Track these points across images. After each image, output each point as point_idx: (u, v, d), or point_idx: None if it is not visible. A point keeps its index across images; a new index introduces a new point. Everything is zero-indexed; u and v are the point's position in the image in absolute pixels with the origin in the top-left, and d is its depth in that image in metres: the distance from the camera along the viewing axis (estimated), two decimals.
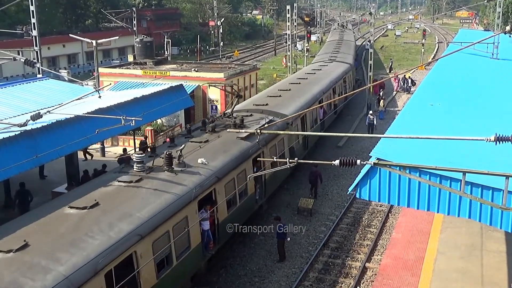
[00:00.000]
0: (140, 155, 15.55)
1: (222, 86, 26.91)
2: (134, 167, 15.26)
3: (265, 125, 18.72)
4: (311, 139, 27.45)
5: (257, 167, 19.60)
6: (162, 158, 15.72)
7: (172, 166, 15.43)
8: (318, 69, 38.16)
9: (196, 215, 15.12)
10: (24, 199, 20.29)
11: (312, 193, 23.58)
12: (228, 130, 19.46)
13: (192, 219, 14.76)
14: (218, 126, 20.33)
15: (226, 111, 22.65)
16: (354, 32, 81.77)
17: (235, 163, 17.99)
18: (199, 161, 16.47)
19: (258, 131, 12.12)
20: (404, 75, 48.96)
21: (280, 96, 27.39)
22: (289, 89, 29.55)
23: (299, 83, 31.72)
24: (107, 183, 14.56)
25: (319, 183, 23.60)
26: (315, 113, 29.37)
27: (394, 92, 48.00)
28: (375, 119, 33.91)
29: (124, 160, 19.53)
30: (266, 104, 24.66)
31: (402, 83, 49.14)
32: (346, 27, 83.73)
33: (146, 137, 28.75)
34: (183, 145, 16.22)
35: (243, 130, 18.43)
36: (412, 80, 49.00)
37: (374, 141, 13.54)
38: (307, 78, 33.64)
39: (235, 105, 22.92)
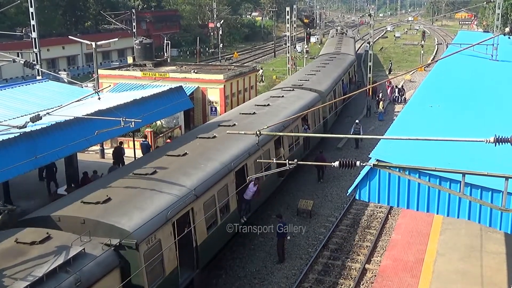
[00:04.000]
0: None
1: None
2: None
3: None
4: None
5: None
6: None
7: None
8: (263, 106, 25.12)
9: None
10: (51, 168, 22.61)
11: (319, 176, 25.80)
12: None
13: None
14: None
15: None
16: (354, 38, 72.64)
17: None
18: None
19: (258, 132, 9.98)
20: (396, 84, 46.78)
21: (159, 169, 15.61)
22: (184, 153, 17.36)
23: (213, 137, 19.30)
24: None
25: (325, 166, 24.93)
26: (223, 199, 16.46)
27: (388, 100, 46.54)
28: (361, 129, 31.45)
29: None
30: (108, 199, 13.42)
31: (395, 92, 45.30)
32: (346, 34, 73.25)
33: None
34: None
35: None
36: (399, 90, 44.91)
37: (373, 143, 13.54)
38: (234, 125, 21.17)
39: None
